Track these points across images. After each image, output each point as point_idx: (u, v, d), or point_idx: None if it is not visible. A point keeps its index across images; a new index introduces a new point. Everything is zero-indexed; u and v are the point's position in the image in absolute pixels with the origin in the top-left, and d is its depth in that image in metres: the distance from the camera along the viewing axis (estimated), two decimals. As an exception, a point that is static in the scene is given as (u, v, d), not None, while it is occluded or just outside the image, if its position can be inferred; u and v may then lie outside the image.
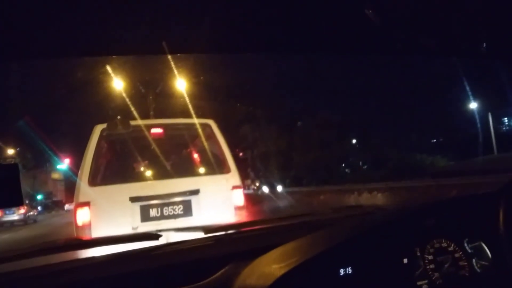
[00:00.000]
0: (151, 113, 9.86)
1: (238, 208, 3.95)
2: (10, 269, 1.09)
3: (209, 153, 4.39)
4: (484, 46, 1.22)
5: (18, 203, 0.96)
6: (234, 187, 4.01)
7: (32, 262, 1.16)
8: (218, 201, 3.89)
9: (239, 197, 4.02)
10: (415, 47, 1.35)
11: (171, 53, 1.18)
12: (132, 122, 4.08)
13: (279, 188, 20.38)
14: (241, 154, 22.75)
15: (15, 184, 0.95)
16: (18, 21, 0.95)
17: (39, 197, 35.34)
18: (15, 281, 1.03)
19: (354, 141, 26.89)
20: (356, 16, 1.09)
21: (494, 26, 1.14)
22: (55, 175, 40.84)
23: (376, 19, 1.05)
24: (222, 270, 1.11)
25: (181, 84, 10.25)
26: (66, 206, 31.20)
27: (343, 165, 26.04)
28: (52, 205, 35.79)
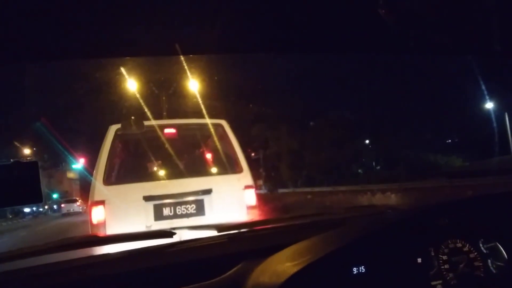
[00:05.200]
0: (164, 113, 9.95)
1: (250, 208, 3.96)
2: (27, 265, 1.12)
3: (222, 153, 4.41)
4: (500, 44, 1.20)
5: (38, 200, 0.98)
6: (246, 187, 4.02)
7: (49, 258, 1.18)
8: (230, 200, 3.91)
9: (251, 196, 4.03)
10: (429, 45, 1.34)
11: (183, 54, 1.19)
12: (146, 122, 4.13)
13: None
14: (253, 154, 22.73)
15: (35, 181, 0.96)
16: (37, 23, 0.97)
17: (55, 196, 35.98)
18: (32, 277, 1.06)
19: (367, 141, 26.63)
20: (370, 16, 1.09)
21: (509, 22, 1.13)
22: (71, 175, 41.53)
23: (389, 18, 1.05)
24: (235, 268, 1.12)
25: (193, 84, 10.32)
26: (63, 207, 30.19)
27: (356, 165, 25.79)
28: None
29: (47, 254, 1.25)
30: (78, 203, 28.91)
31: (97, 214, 3.61)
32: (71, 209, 28.41)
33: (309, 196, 16.16)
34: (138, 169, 4.55)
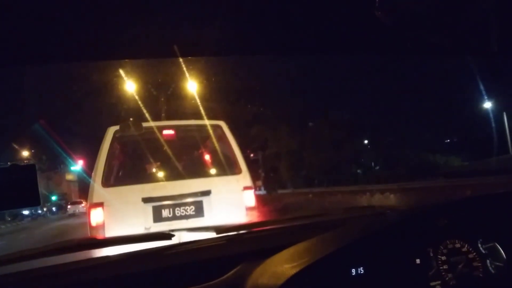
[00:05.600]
0: (163, 115, 9.94)
1: (249, 209, 3.96)
2: (26, 267, 1.11)
3: (220, 154, 4.41)
4: (497, 44, 1.20)
5: (36, 203, 0.98)
6: (245, 188, 4.02)
7: (47, 261, 1.18)
8: (229, 201, 3.91)
9: (250, 197, 4.03)
10: (426, 46, 1.34)
11: (182, 56, 1.19)
12: (144, 124, 4.12)
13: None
14: (252, 155, 22.71)
15: (32, 184, 0.96)
16: (36, 25, 0.97)
17: (53, 198, 35.92)
18: (30, 279, 1.06)
19: (366, 141, 26.66)
20: (367, 17, 1.09)
21: (507, 23, 1.13)
22: (69, 177, 41.47)
23: (387, 19, 1.05)
24: (234, 270, 1.12)
25: (192, 86, 10.32)
26: (69, 208, 31.14)
27: (355, 165, 25.80)
28: (66, 206, 36.28)
29: (46, 257, 1.24)
30: (82, 205, 29.73)
31: (96, 216, 3.60)
32: (77, 210, 29.35)
33: (310, 195, 16.15)
34: (136, 171, 4.55)
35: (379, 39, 1.27)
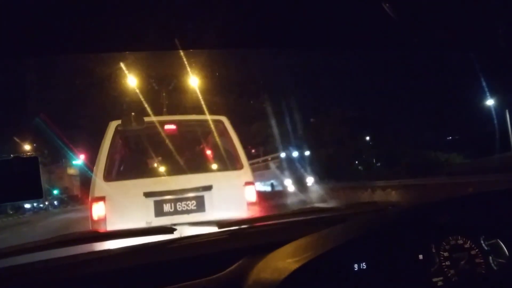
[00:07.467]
0: (164, 109, 9.91)
1: (250, 204, 3.96)
2: (28, 260, 1.11)
3: (222, 149, 4.41)
4: (500, 41, 1.19)
5: (38, 195, 0.97)
6: (247, 183, 4.02)
7: (49, 254, 1.18)
8: (230, 197, 3.91)
9: (251, 193, 4.03)
10: (430, 42, 1.33)
11: (184, 49, 1.19)
12: (146, 119, 4.13)
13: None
14: (253, 150, 22.74)
15: (35, 176, 0.96)
16: (37, 17, 0.96)
17: (55, 192, 36.09)
18: (32, 272, 1.06)
19: (367, 138, 26.65)
20: (373, 12, 1.08)
21: (511, 20, 1.12)
22: (71, 171, 41.53)
23: (394, 13, 1.04)
24: (236, 264, 1.11)
25: (194, 80, 10.29)
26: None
27: (357, 162, 25.81)
28: (68, 200, 36.44)
29: (47, 250, 1.24)
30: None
31: (98, 210, 3.61)
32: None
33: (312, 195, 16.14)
34: (138, 165, 4.56)
35: (383, 34, 1.26)
